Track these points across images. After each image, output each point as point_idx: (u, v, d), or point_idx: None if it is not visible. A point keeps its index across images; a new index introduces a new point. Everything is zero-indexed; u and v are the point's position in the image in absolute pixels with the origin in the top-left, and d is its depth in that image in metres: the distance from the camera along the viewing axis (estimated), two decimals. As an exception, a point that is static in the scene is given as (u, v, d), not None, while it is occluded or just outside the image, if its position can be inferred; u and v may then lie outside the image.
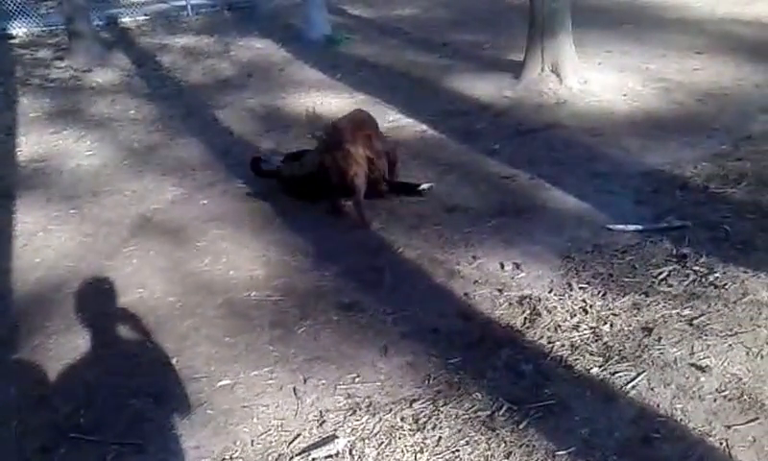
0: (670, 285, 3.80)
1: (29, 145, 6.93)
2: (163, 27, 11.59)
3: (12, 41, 11.19)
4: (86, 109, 7.92)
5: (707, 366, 3.15)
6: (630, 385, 3.09)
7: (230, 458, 2.94)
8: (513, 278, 4.07)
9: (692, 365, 3.17)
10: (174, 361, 3.60)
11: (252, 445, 3.00)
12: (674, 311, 3.57)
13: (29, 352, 3.78)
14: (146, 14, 12.14)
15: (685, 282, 3.81)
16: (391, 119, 6.79)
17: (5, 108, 8.08)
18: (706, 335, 3.35)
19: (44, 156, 6.66)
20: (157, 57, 9.89)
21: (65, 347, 3.78)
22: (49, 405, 3.35)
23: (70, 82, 8.99)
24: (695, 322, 3.46)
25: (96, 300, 4.24)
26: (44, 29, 11.57)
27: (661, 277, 3.89)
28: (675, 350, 3.28)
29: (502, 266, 4.19)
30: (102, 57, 9.73)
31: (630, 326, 3.51)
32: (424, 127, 6.54)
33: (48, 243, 4.99)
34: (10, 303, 4.30)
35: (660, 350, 3.30)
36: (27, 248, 4.94)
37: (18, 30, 11.53)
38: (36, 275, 4.58)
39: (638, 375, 3.15)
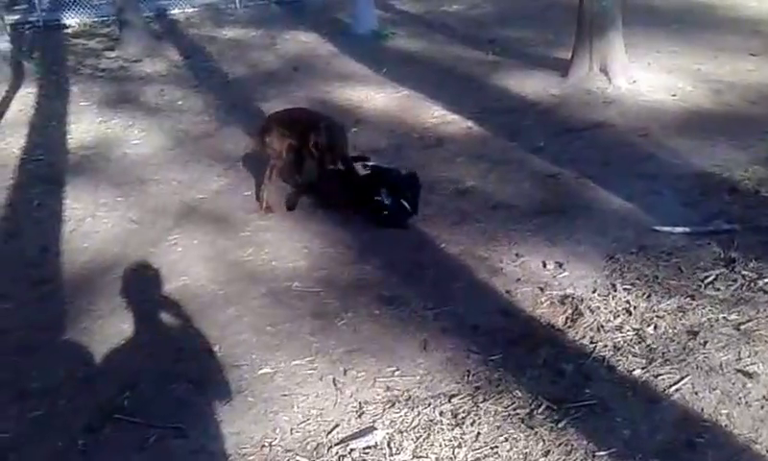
0: (717, 289, 3.72)
1: (79, 133, 7.10)
2: (211, 19, 11.74)
3: (66, 31, 11.47)
4: (135, 98, 8.08)
5: (754, 372, 3.07)
6: (673, 388, 3.04)
7: (270, 445, 2.98)
8: (555, 276, 4.03)
9: (739, 371, 3.09)
10: (216, 348, 3.66)
11: (292, 433, 3.03)
12: (721, 316, 3.49)
13: (76, 334, 3.88)
14: (194, 6, 12.32)
15: (733, 287, 3.72)
16: (436, 115, 6.78)
17: (57, 96, 8.29)
18: (753, 341, 3.27)
19: (93, 143, 6.82)
20: (205, 48, 10.03)
21: (111, 330, 3.87)
22: (95, 386, 3.44)
23: (120, 71, 9.17)
24: (742, 327, 3.38)
25: (141, 285, 4.34)
26: (96, 19, 11.85)
27: (708, 280, 3.80)
28: (721, 354, 3.21)
29: (545, 265, 4.15)
30: (151, 47, 9.90)
31: (675, 328, 3.44)
32: (470, 123, 6.50)
33: (96, 229, 5.11)
34: (58, 286, 4.42)
35: (705, 354, 3.23)
36: (75, 233, 5.07)
37: (72, 20, 11.82)
38: (84, 259, 4.70)
39: (682, 378, 3.09)
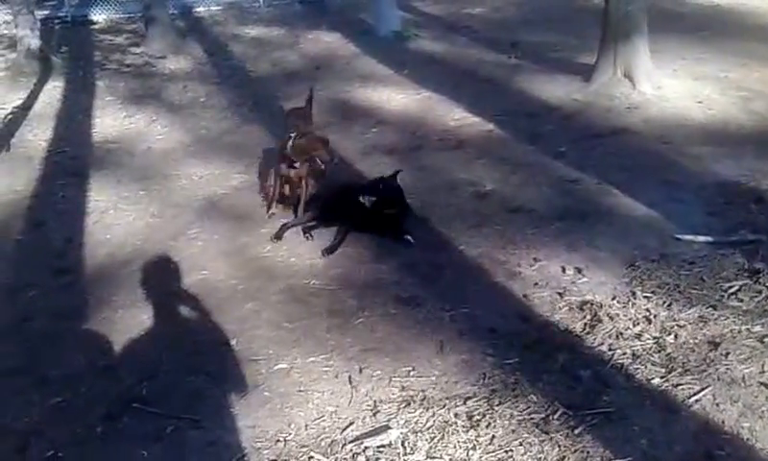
0: (740, 300, 3.67)
1: (103, 127, 7.17)
2: (235, 17, 11.80)
3: (94, 27, 11.58)
4: (159, 94, 8.15)
5: (777, 385, 3.03)
6: (693, 399, 3.00)
7: (284, 440, 2.99)
8: (574, 282, 4.00)
9: (762, 384, 3.05)
10: (233, 342, 3.68)
11: (306, 429, 3.04)
12: (744, 327, 3.44)
13: (97, 324, 3.93)
14: (219, 4, 12.38)
15: (757, 298, 3.67)
16: (457, 117, 6.76)
17: (83, 90, 8.38)
18: (777, 354, 3.22)
19: (117, 138, 6.88)
20: (229, 46, 10.09)
21: (131, 321, 3.91)
22: (114, 375, 3.48)
23: (144, 67, 9.25)
24: (766, 339, 3.33)
25: (161, 278, 4.37)
26: (123, 16, 11.95)
27: (731, 291, 3.76)
28: (743, 367, 3.17)
29: (564, 270, 4.12)
30: (176, 44, 9.98)
31: (695, 338, 3.41)
32: (491, 126, 6.48)
33: (118, 221, 5.16)
34: (80, 277, 4.48)
35: (726, 365, 3.19)
36: (97, 225, 5.12)
37: (99, 16, 11.94)
38: (106, 251, 4.75)
39: (703, 389, 3.05)
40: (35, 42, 8.87)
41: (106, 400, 3.28)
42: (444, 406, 3.11)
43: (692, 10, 9.93)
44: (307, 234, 4.75)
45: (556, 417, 2.99)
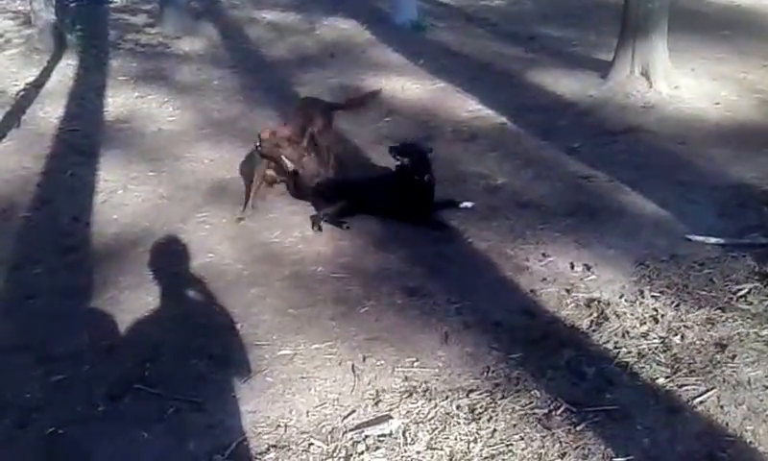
0: (750, 303, 3.63)
1: (115, 106, 7.17)
2: (251, 1, 11.76)
3: (111, 5, 11.58)
4: (172, 75, 8.14)
5: (783, 390, 3.00)
6: (697, 400, 2.98)
7: (285, 426, 2.98)
8: (582, 279, 3.97)
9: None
10: (238, 326, 3.68)
11: (308, 415, 3.04)
12: (752, 330, 3.40)
13: (102, 303, 3.93)
14: (236, -12, 12.33)
15: (766, 302, 3.63)
16: (470, 109, 6.72)
17: (96, 69, 8.38)
18: (784, 358, 3.19)
19: (129, 117, 6.89)
20: (244, 30, 10.06)
21: (136, 302, 3.92)
22: (117, 355, 3.48)
23: (159, 48, 9.24)
24: (774, 344, 3.29)
25: (168, 260, 4.38)
26: (140, -5, 11.93)
27: (741, 294, 3.71)
28: (750, 370, 3.13)
29: (572, 266, 4.09)
30: (191, 26, 9.97)
31: (702, 340, 3.37)
32: (504, 119, 6.43)
33: (126, 201, 5.17)
34: (87, 256, 4.49)
35: (733, 368, 3.16)
36: (106, 204, 5.13)
37: (116, -6, 11.93)
38: (113, 230, 4.75)
39: (708, 390, 3.02)
40: (50, 19, 8.87)
41: (108, 380, 3.29)
42: (446, 398, 3.09)
43: (713, 9, 9.81)
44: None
45: (558, 413, 2.97)
